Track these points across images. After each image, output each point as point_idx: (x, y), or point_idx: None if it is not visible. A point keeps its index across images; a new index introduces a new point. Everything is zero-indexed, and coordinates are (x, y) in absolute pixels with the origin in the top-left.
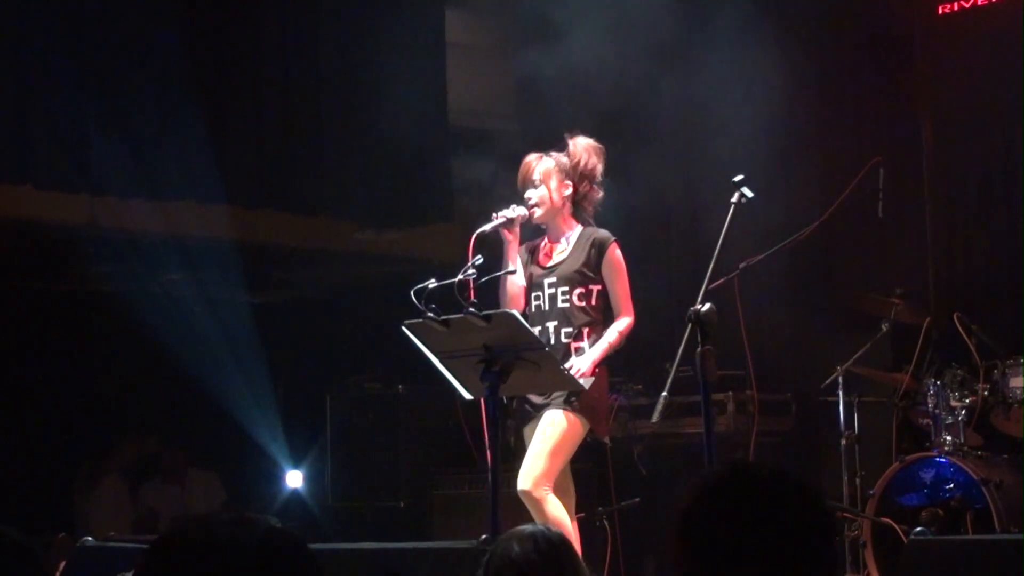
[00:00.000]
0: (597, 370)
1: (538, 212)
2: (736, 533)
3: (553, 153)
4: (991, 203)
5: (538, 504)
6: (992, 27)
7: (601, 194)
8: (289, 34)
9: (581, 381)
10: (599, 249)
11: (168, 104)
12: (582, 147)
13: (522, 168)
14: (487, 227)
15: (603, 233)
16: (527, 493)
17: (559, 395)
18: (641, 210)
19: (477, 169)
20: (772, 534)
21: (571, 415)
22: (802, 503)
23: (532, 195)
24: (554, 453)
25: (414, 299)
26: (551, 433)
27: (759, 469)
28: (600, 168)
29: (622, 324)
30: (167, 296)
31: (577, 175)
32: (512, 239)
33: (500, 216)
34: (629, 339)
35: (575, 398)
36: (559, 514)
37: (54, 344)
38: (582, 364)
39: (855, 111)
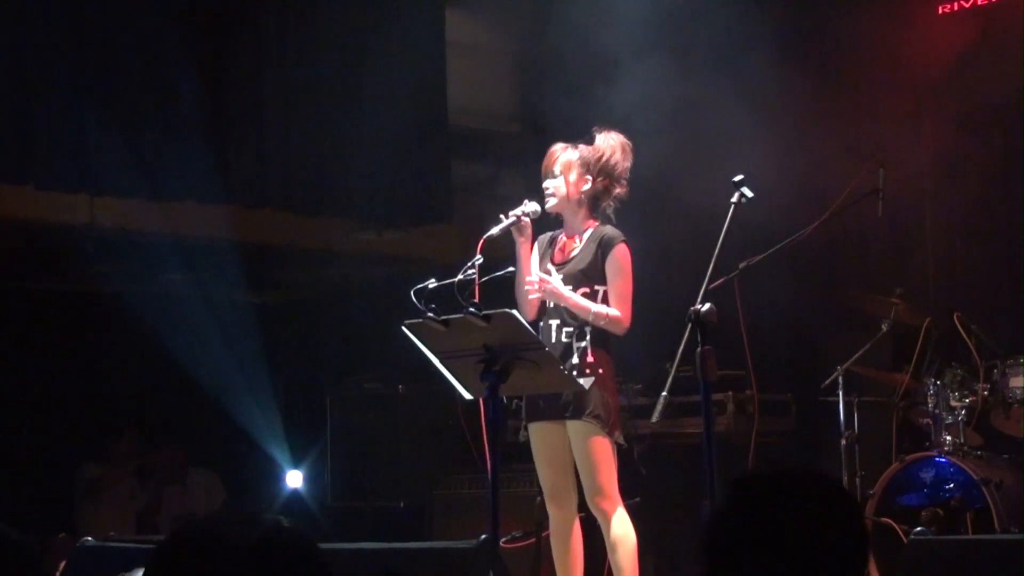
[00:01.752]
0: (602, 371)
1: (551, 202)
2: (771, 538)
3: (580, 145)
4: (991, 203)
5: (606, 517)
6: (992, 27)
7: (624, 191)
8: (289, 33)
9: (581, 382)
10: (606, 248)
11: (168, 104)
12: (608, 141)
13: (547, 156)
14: (495, 230)
15: (612, 231)
16: (596, 505)
17: (579, 409)
18: (641, 210)
19: (477, 169)
20: (813, 539)
21: (598, 431)
22: (841, 511)
23: (549, 185)
24: (604, 466)
25: (414, 299)
26: (592, 453)
27: (796, 473)
28: (626, 165)
29: (612, 311)
30: (167, 296)
31: (597, 169)
32: (523, 240)
33: (510, 217)
34: (631, 337)
35: (599, 411)
36: (625, 529)
37: (54, 344)
38: (560, 286)
39: (855, 111)
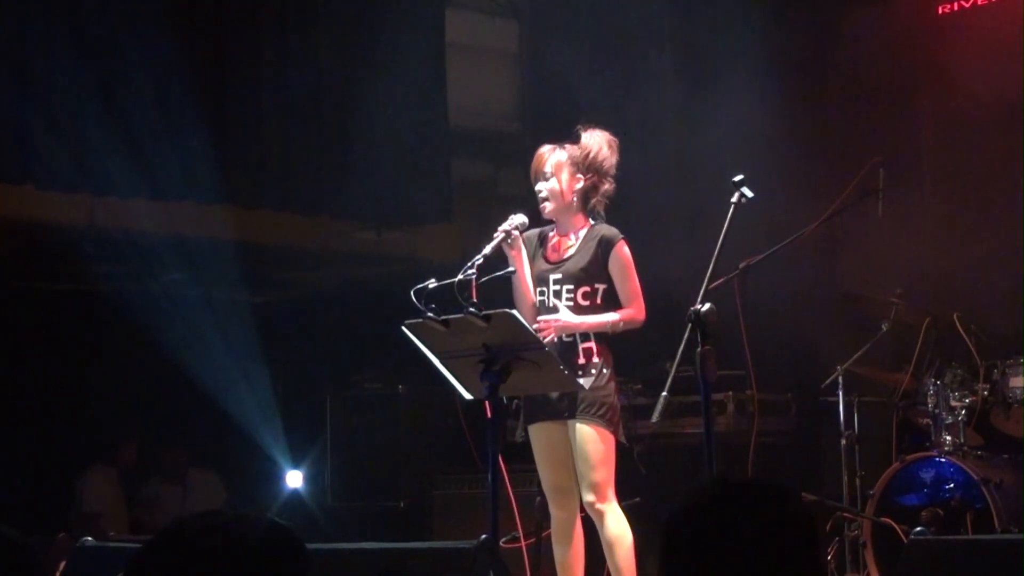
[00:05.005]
0: (606, 370)
1: (548, 206)
2: (715, 548)
3: (567, 145)
4: (991, 203)
5: (600, 516)
6: (992, 27)
7: (612, 187)
8: (289, 34)
9: (581, 381)
10: (606, 247)
11: (168, 104)
12: (594, 138)
13: (535, 159)
14: (487, 249)
15: (611, 230)
16: (591, 504)
17: (586, 407)
18: (641, 209)
19: (477, 169)
20: (750, 545)
21: (603, 429)
22: (778, 511)
23: (543, 188)
24: (604, 464)
25: (414, 299)
26: (594, 449)
27: (736, 481)
28: (613, 160)
29: (627, 312)
30: (167, 296)
31: (586, 167)
32: (515, 253)
33: (498, 233)
34: (630, 337)
35: (603, 410)
36: (621, 529)
37: (54, 344)
38: (569, 317)
39: (855, 111)
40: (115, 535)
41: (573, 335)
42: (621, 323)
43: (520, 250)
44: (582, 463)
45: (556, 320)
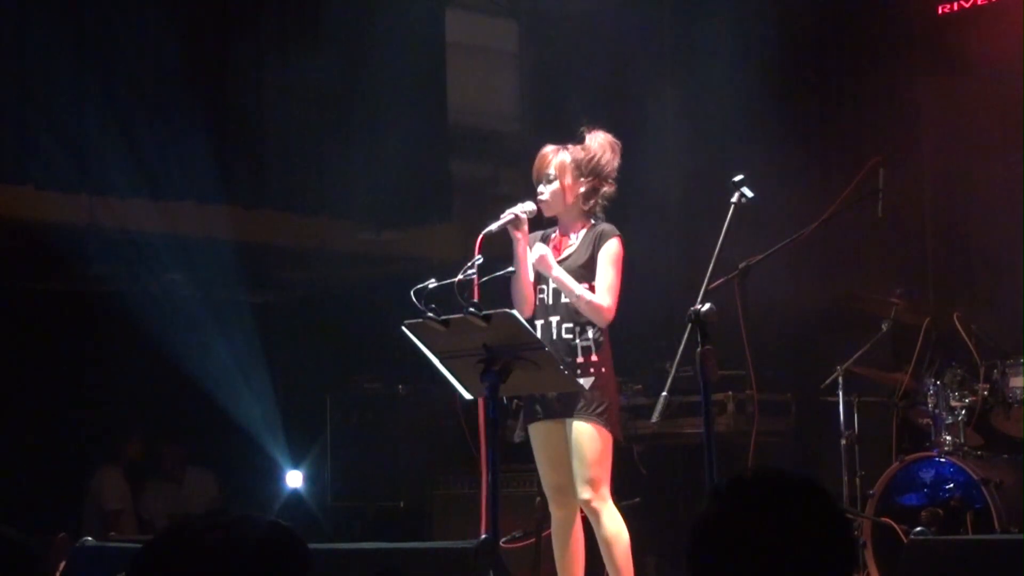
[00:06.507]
0: (604, 369)
1: (548, 208)
2: (756, 538)
3: (570, 146)
4: (991, 203)
5: (596, 514)
6: (992, 27)
7: (613, 189)
8: (289, 34)
9: (581, 381)
10: (600, 242)
11: (168, 104)
12: (598, 142)
13: (538, 159)
14: (494, 226)
15: (607, 227)
16: (587, 503)
17: (584, 406)
18: (640, 209)
19: (477, 169)
20: (794, 540)
21: (601, 427)
22: (824, 510)
23: (544, 190)
24: (600, 462)
25: (414, 299)
26: (591, 446)
27: (781, 475)
28: (615, 164)
29: (596, 299)
30: (167, 296)
31: (589, 170)
32: (521, 237)
33: (507, 214)
34: (630, 337)
35: (601, 409)
36: (618, 527)
37: (54, 344)
38: (554, 265)
39: (855, 111)
40: (115, 535)
41: (571, 335)
42: (583, 303)
43: (525, 235)
44: (578, 461)
45: (545, 256)
